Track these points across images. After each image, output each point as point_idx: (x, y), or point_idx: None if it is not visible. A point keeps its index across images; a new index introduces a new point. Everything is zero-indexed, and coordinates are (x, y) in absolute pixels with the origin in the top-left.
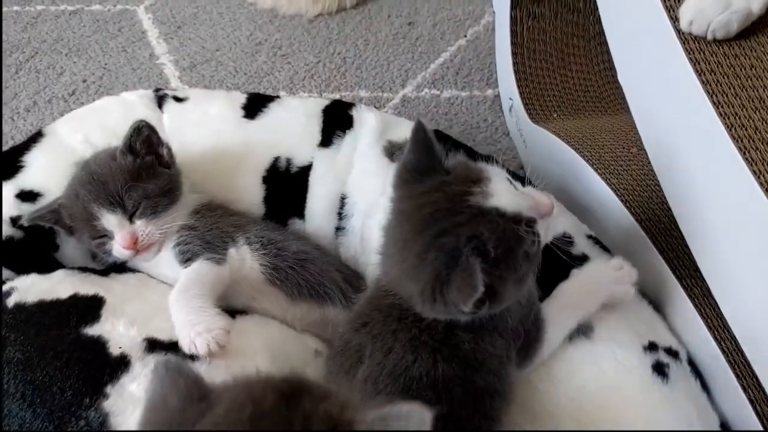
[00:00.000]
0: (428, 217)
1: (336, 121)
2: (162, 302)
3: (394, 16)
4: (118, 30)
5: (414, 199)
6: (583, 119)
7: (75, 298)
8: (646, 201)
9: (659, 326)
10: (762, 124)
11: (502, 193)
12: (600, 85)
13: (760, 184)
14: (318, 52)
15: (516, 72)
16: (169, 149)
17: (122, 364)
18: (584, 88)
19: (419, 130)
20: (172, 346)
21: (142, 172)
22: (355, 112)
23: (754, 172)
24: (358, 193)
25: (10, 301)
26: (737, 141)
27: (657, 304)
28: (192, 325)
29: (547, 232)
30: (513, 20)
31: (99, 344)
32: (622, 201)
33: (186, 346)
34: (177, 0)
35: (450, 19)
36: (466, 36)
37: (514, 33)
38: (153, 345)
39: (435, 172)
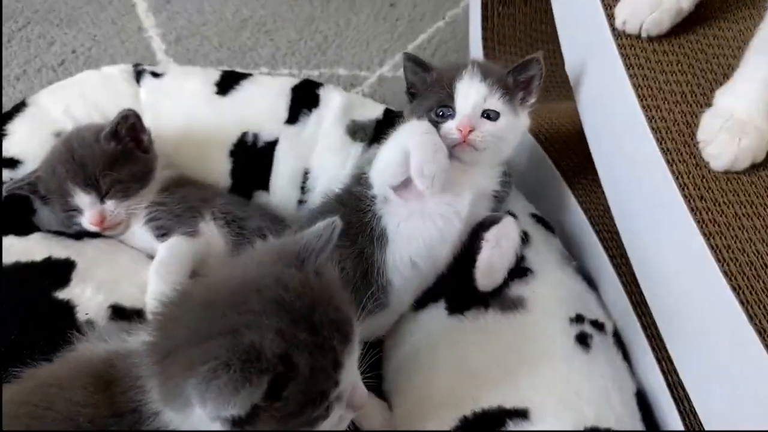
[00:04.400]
0: None
1: (303, 100)
2: (131, 267)
3: None
4: (108, 2)
5: None
6: (546, 102)
7: (49, 261)
8: (590, 183)
9: (590, 300)
10: (681, 116)
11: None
12: (565, 71)
13: (672, 172)
14: (300, 30)
15: (486, 55)
16: (149, 136)
17: (88, 329)
18: (550, 72)
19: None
20: (136, 313)
21: (121, 157)
22: (323, 92)
23: (667, 161)
24: (320, 169)
25: None
26: (656, 132)
27: (591, 280)
28: (162, 296)
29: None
30: (484, 6)
31: (68, 308)
32: (568, 185)
33: (150, 310)
34: None
35: (430, 1)
36: (444, 18)
37: (485, 18)
38: (117, 312)
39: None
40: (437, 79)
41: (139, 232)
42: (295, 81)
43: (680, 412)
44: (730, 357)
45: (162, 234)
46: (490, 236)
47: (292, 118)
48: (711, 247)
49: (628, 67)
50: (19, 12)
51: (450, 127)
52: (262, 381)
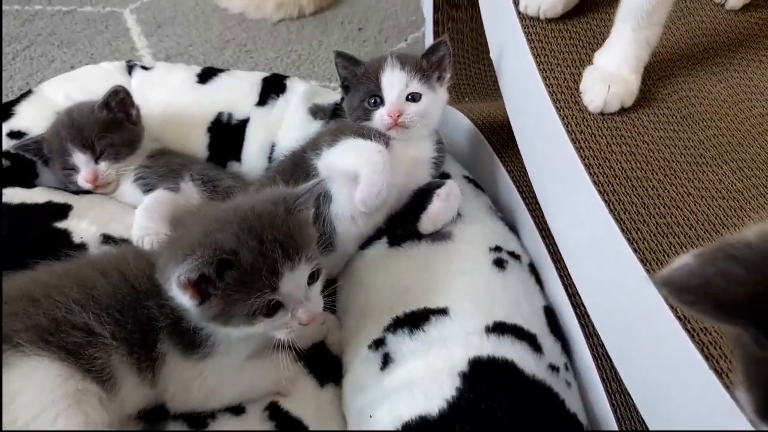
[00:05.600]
0: None
1: (272, 87)
2: (119, 211)
3: (346, 23)
4: (105, 27)
5: None
6: (489, 102)
7: (49, 204)
8: (515, 153)
9: (510, 238)
10: (570, 76)
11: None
12: None
13: (560, 116)
14: (278, 50)
15: None
16: (138, 110)
17: (81, 248)
18: (493, 77)
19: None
20: (123, 241)
21: (112, 125)
22: (289, 82)
23: (557, 108)
24: (284, 142)
25: None
26: (549, 87)
27: (513, 225)
28: (145, 229)
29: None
30: (435, 23)
31: (65, 234)
32: (497, 155)
33: (135, 240)
34: (159, 4)
35: (394, 26)
36: (407, 40)
37: (436, 33)
38: (107, 239)
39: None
40: (365, 73)
41: (128, 190)
42: (266, 75)
43: (582, 325)
44: (611, 274)
45: (148, 189)
46: (441, 192)
47: (262, 101)
48: (586, 166)
49: (530, 41)
50: (24, 35)
51: (382, 114)
52: (213, 260)
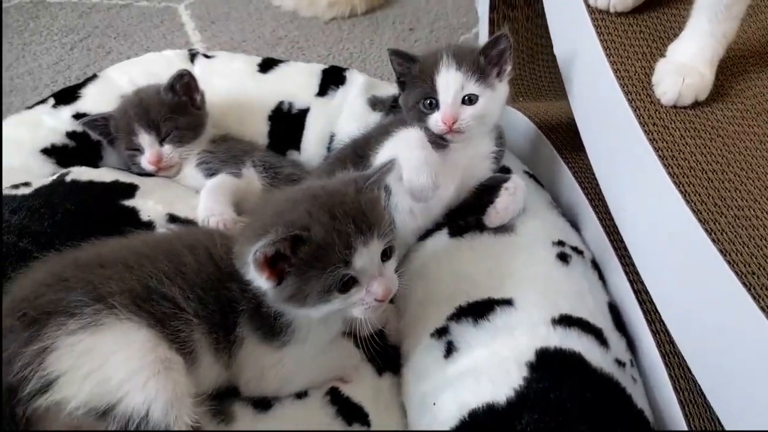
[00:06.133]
0: None
1: (332, 78)
2: (183, 193)
3: (398, 23)
4: (160, 21)
5: None
6: (544, 101)
7: (116, 183)
8: (577, 151)
9: (571, 234)
10: (641, 69)
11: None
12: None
13: (632, 108)
14: (330, 48)
15: None
16: (203, 95)
17: (149, 226)
18: (548, 77)
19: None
20: (188, 221)
21: (177, 108)
22: (348, 74)
23: (629, 101)
24: (343, 133)
25: (67, 179)
26: (620, 80)
27: (574, 221)
28: (210, 210)
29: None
30: (491, 22)
31: (133, 212)
32: (558, 153)
33: (201, 221)
34: (213, 0)
35: (445, 27)
36: (458, 41)
37: (491, 32)
38: (173, 218)
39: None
40: (420, 72)
41: (191, 173)
42: (325, 66)
43: (648, 321)
44: (688, 266)
45: (211, 174)
46: (509, 185)
47: (322, 91)
48: (660, 158)
49: (599, 34)
50: (81, 27)
51: (436, 119)
52: (287, 235)
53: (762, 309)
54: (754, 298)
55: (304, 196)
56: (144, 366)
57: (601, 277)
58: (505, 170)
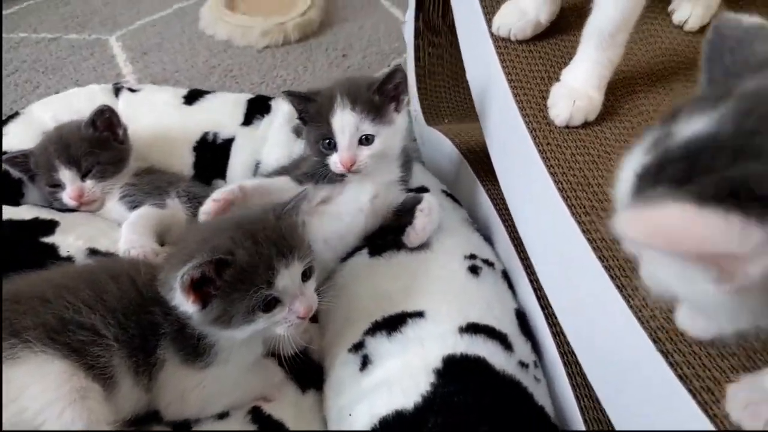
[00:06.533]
0: None
1: (257, 107)
2: (105, 227)
3: (331, 49)
4: (90, 54)
5: None
6: (468, 122)
7: (36, 220)
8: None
9: (484, 247)
10: (538, 93)
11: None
12: None
13: (529, 129)
14: (263, 75)
15: (418, 88)
16: (125, 130)
17: (68, 261)
18: (471, 100)
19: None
20: (109, 254)
21: (99, 143)
22: (273, 103)
23: (526, 123)
24: (268, 160)
25: None
26: (519, 104)
27: (488, 236)
28: (131, 242)
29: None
30: (416, 48)
31: (52, 248)
32: (476, 174)
33: (122, 253)
34: (145, 31)
35: (377, 53)
36: (389, 66)
37: (417, 58)
38: (94, 252)
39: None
40: (317, 112)
41: (115, 207)
42: (251, 96)
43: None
44: (574, 272)
45: (134, 207)
46: (424, 206)
47: (247, 121)
48: (551, 175)
49: (502, 61)
50: (9, 61)
51: (335, 161)
52: (212, 259)
53: (631, 307)
54: (624, 298)
55: (227, 224)
56: (59, 396)
57: (511, 286)
58: (424, 190)
